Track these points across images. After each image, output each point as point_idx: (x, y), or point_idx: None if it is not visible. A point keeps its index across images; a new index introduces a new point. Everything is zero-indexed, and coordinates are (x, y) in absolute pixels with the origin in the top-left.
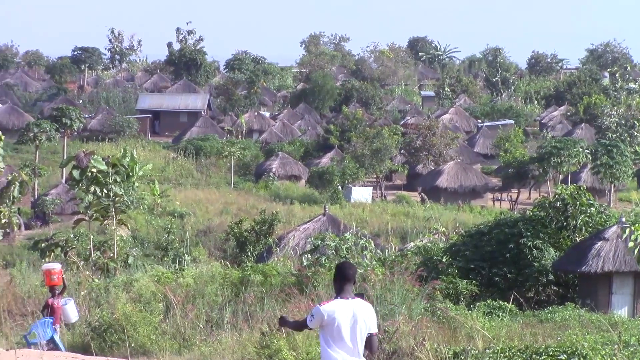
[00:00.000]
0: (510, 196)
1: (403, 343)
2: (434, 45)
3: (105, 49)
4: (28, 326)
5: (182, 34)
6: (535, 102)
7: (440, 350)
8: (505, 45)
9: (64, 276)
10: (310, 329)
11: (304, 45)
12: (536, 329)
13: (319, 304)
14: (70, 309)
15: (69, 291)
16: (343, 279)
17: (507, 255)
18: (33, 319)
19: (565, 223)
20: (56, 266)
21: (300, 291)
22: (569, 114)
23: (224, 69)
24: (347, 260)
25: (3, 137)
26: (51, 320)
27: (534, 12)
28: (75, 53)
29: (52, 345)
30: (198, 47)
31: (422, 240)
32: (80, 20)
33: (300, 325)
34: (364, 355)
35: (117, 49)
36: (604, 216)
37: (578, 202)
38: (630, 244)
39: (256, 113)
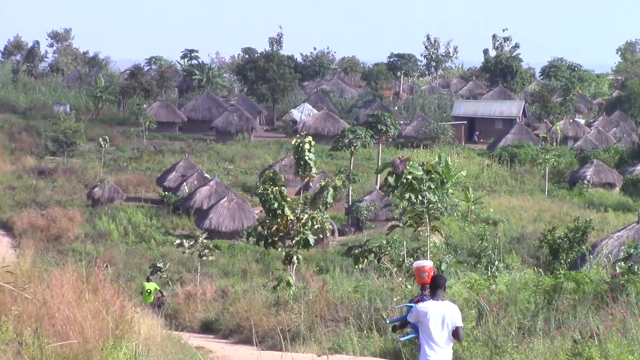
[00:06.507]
0: None
1: None
2: None
3: (421, 55)
4: (340, 332)
5: (498, 40)
6: None
7: None
8: None
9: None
10: (409, 322)
11: (619, 53)
12: None
13: (416, 304)
14: None
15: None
16: (435, 287)
17: None
18: (346, 324)
19: None
20: (427, 264)
21: (614, 299)
22: None
23: (539, 76)
24: (441, 274)
25: (314, 143)
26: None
27: None
28: (391, 60)
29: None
30: (514, 54)
31: None
32: (397, 27)
33: (404, 321)
34: (452, 343)
35: (433, 56)
36: None
37: None
38: None
39: (571, 120)
